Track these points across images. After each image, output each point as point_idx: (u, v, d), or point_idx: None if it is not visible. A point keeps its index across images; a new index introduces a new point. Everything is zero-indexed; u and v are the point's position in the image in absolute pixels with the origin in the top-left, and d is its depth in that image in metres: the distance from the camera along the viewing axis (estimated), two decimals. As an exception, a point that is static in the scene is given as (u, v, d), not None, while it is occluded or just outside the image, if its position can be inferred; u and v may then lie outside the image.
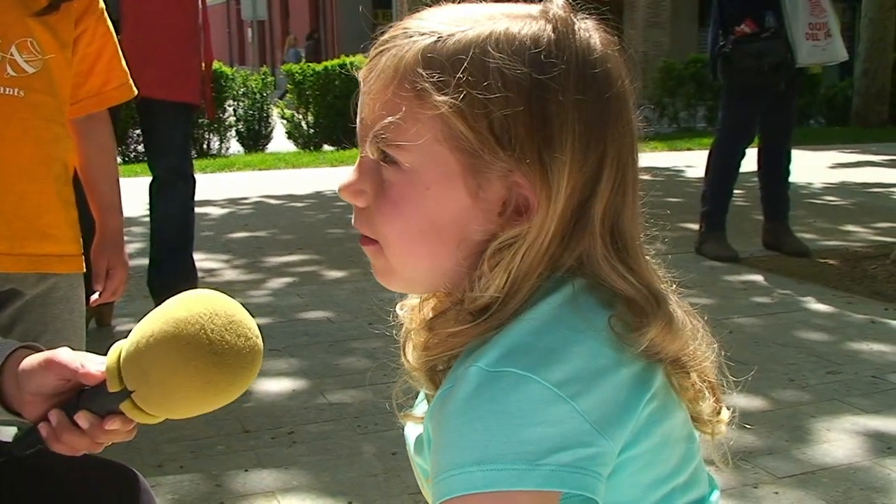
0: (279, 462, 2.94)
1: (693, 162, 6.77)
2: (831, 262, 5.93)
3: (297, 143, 14.00)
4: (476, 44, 0.90)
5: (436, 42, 0.91)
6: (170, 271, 4.52)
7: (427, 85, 0.89)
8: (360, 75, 0.96)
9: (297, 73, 13.89)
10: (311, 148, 13.82)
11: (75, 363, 1.12)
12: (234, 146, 13.89)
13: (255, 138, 14.05)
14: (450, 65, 0.89)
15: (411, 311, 1.06)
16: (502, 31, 0.91)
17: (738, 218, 6.75)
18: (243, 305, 1.06)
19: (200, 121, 12.23)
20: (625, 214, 0.95)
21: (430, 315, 1.00)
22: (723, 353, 1.04)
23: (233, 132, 13.87)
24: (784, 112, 6.00)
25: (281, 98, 16.39)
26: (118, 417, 1.09)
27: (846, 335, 4.38)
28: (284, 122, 14.10)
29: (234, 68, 15.21)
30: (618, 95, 0.93)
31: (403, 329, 1.07)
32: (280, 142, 14.17)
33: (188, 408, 1.04)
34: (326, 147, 13.89)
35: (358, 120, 0.97)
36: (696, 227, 6.14)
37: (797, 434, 3.18)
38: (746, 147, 5.97)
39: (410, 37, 0.93)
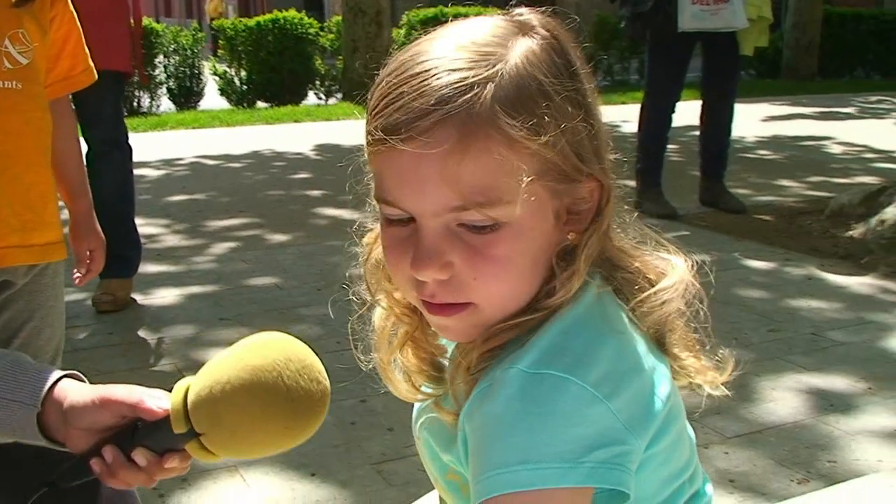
0: (238, 435, 2.94)
1: (628, 116, 6.84)
2: (767, 218, 6.06)
3: (230, 100, 13.82)
4: (526, 75, 0.90)
5: (495, 88, 0.88)
6: (113, 241, 4.45)
7: (518, 133, 0.88)
8: (412, 148, 0.88)
9: (229, 28, 13.68)
10: (245, 105, 13.65)
11: (133, 399, 1.10)
12: (166, 104, 13.65)
13: (186, 95, 13.82)
14: (523, 105, 0.89)
15: (389, 310, 1.09)
16: (526, 53, 0.92)
17: (675, 174, 6.84)
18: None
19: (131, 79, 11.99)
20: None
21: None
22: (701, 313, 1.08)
23: (164, 89, 13.64)
24: (725, 71, 6.09)
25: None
26: (178, 455, 1.08)
27: (785, 292, 4.50)
28: (217, 78, 13.89)
29: (163, 24, 14.88)
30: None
31: (403, 332, 1.08)
32: (213, 99, 13.96)
33: (259, 451, 1.05)
34: (260, 104, 13.74)
35: (412, 199, 0.91)
36: (633, 183, 6.19)
37: (743, 393, 3.27)
38: (672, 101, 6.02)
39: (463, 94, 0.88)
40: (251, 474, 2.69)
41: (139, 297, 4.43)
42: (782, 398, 3.23)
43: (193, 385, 1.04)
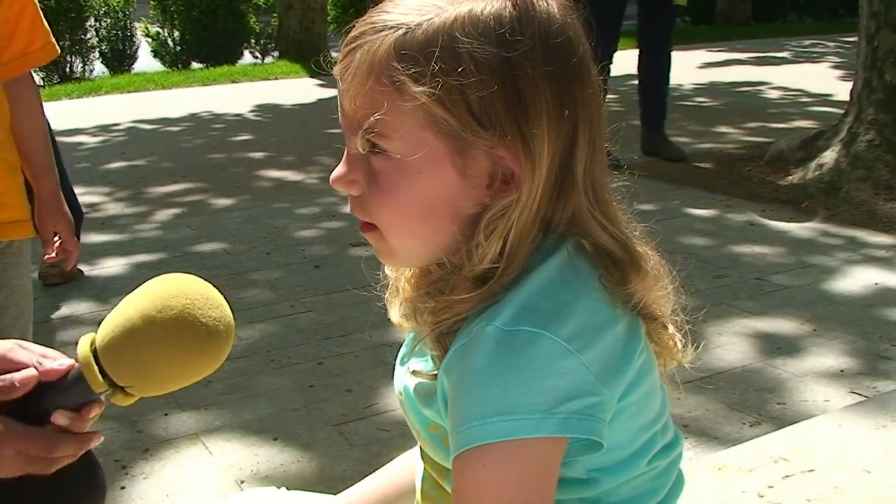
0: (198, 403, 2.94)
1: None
2: (707, 165, 6.14)
3: (164, 62, 13.60)
4: (443, 31, 0.93)
5: (405, 34, 0.94)
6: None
7: (404, 78, 0.92)
8: (336, 72, 0.99)
9: (159, -12, 13.44)
10: (179, 66, 13.44)
11: (31, 363, 1.03)
12: (99, 68, 13.39)
13: (119, 59, 13.58)
14: (423, 56, 0.92)
15: (396, 272, 1.12)
16: (466, 13, 0.94)
17: (616, 124, 6.88)
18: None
19: (62, 43, 11.74)
20: (597, 167, 1.01)
21: (413, 280, 1.08)
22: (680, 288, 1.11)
23: (96, 53, 13.38)
24: (660, 21, 6.11)
25: None
26: (95, 404, 1.06)
27: (728, 239, 4.58)
28: (149, 40, 13.64)
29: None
30: (582, 59, 0.99)
31: (390, 288, 1.13)
32: (146, 61, 13.71)
33: (182, 384, 1.06)
34: (195, 64, 13.52)
35: (340, 114, 1.00)
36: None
37: (692, 339, 3.33)
38: (609, 51, 5.96)
39: (380, 31, 0.95)
40: (213, 442, 2.70)
41: (85, 269, 4.38)
42: (730, 343, 3.31)
43: (102, 341, 1.01)
